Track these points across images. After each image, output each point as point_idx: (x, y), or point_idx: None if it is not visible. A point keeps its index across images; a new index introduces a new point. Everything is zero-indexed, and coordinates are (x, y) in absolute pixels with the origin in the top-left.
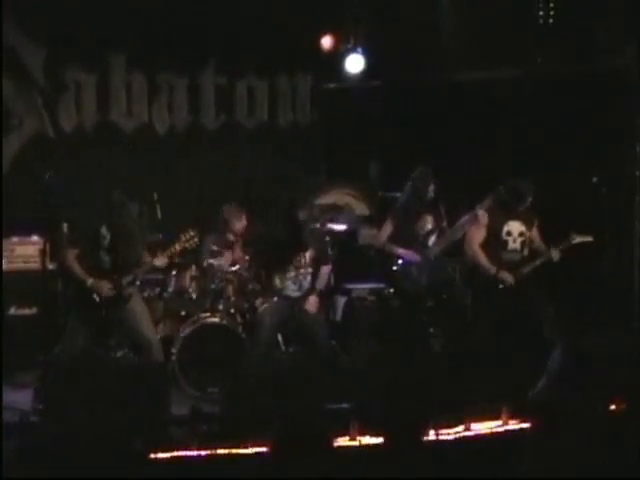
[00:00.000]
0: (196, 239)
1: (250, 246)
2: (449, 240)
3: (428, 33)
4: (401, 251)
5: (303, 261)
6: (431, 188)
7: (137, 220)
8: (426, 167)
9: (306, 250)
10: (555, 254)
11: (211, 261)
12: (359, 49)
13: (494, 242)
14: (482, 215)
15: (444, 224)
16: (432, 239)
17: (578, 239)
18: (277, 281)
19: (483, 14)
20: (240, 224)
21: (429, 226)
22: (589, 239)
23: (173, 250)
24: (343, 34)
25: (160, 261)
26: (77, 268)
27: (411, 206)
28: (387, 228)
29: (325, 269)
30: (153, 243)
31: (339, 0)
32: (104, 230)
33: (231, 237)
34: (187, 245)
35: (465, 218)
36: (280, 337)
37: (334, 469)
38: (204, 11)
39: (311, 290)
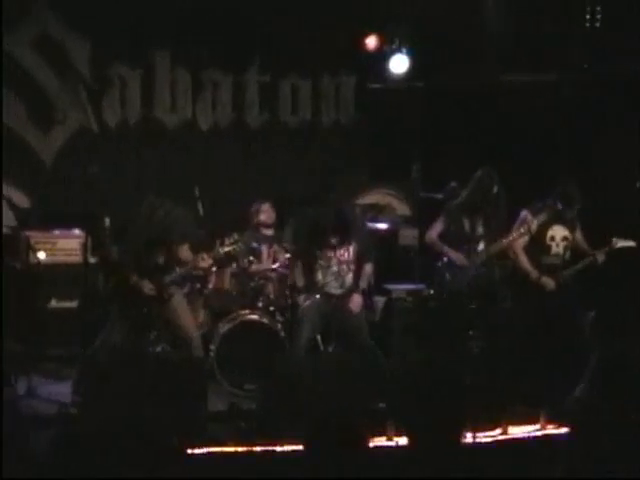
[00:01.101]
0: (240, 243)
1: (289, 242)
2: (499, 247)
3: (473, 35)
4: (450, 252)
5: (347, 256)
6: (494, 192)
7: (180, 218)
8: (490, 168)
9: (350, 245)
10: (600, 257)
11: (251, 258)
12: (403, 49)
13: (537, 246)
14: (533, 224)
15: (497, 229)
16: (481, 245)
17: (620, 244)
18: (320, 276)
19: (529, 17)
20: (264, 215)
21: (481, 230)
22: (631, 244)
23: (217, 254)
24: (387, 34)
25: (203, 262)
26: (121, 264)
27: (468, 207)
28: (438, 225)
29: (368, 267)
30: (196, 242)
31: (384, 0)
32: (147, 228)
33: (267, 232)
34: (231, 249)
35: (517, 227)
36: (319, 336)
37: (369, 469)
38: (250, 9)
39: (353, 289)
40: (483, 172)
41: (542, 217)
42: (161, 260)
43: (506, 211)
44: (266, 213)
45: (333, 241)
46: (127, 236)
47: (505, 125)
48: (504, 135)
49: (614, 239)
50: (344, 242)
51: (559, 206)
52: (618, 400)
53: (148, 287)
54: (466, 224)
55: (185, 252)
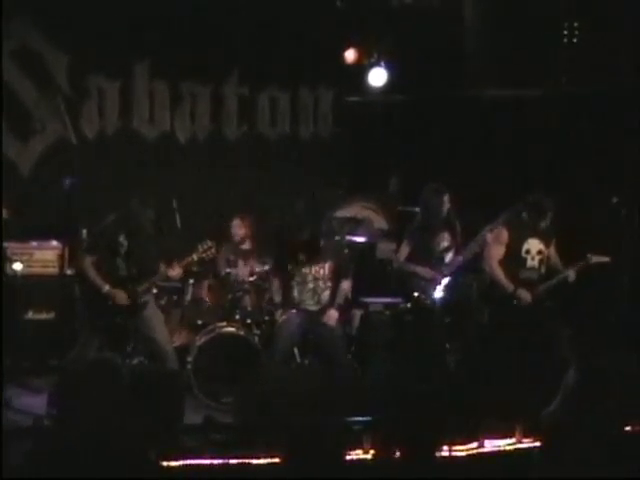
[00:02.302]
0: (213, 249)
1: (267, 256)
2: (467, 256)
3: (451, 49)
4: (418, 269)
5: (322, 273)
6: (445, 204)
7: (155, 228)
8: (437, 183)
9: (326, 262)
10: (571, 274)
11: (228, 270)
12: (382, 63)
13: (513, 260)
14: (501, 232)
15: (459, 241)
16: (449, 256)
17: (595, 259)
18: (295, 293)
19: (507, 32)
20: (233, 231)
21: (445, 243)
22: (605, 260)
23: (190, 260)
24: (366, 48)
25: (176, 271)
26: (93, 274)
27: (426, 224)
28: (404, 249)
29: (345, 284)
30: (171, 252)
31: (363, 14)
32: (122, 238)
33: (244, 246)
34: (204, 255)
35: (482, 235)
36: (296, 349)
37: None
38: (228, 21)
39: (329, 304)
40: (426, 189)
41: (501, 220)
42: (134, 270)
43: (461, 222)
44: (234, 228)
45: (302, 258)
46: (102, 245)
47: (483, 139)
48: (482, 149)
49: (589, 255)
50: (315, 259)
51: (530, 216)
52: (593, 414)
53: (121, 296)
54: (428, 241)
55: (158, 262)
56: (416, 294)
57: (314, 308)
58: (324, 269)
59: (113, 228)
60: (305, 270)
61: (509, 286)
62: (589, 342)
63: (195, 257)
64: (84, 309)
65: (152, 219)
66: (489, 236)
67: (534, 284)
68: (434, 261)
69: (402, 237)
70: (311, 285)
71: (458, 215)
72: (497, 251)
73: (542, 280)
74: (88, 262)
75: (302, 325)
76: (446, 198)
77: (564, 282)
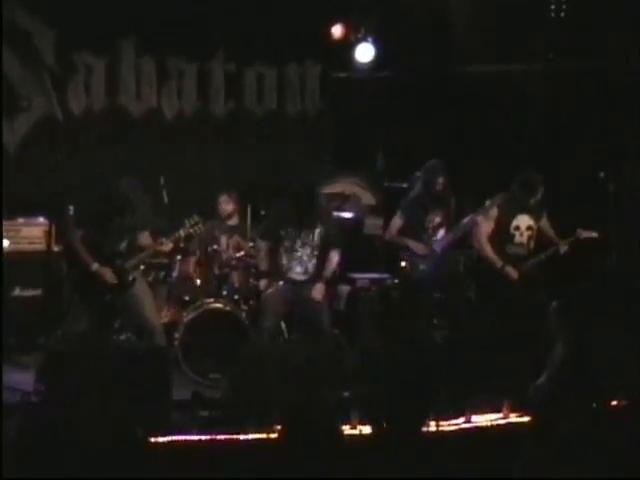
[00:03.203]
0: (200, 225)
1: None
2: (458, 234)
3: (439, 24)
4: (411, 243)
5: (311, 239)
6: (440, 181)
7: (143, 205)
8: (436, 160)
9: (315, 229)
10: (561, 249)
11: (215, 247)
12: (369, 39)
13: (501, 235)
14: (491, 208)
15: (452, 218)
16: (441, 232)
17: (584, 235)
18: (284, 260)
19: (495, 7)
20: (220, 207)
21: (438, 219)
22: (594, 235)
23: (177, 236)
24: (353, 23)
25: (164, 246)
26: (83, 251)
27: (421, 199)
28: (397, 221)
29: (334, 255)
30: (158, 227)
31: None
32: (109, 214)
33: (229, 223)
34: (192, 230)
35: (473, 214)
36: (283, 324)
37: (340, 458)
38: None
39: (317, 276)
40: (427, 165)
41: (497, 200)
42: (123, 246)
43: (455, 199)
44: (221, 205)
45: (292, 223)
46: (91, 222)
47: (470, 115)
48: (469, 125)
49: (578, 230)
50: (305, 225)
51: (521, 193)
52: (580, 389)
53: (110, 274)
54: (422, 216)
55: (146, 238)
56: (403, 264)
57: (302, 278)
58: (313, 235)
59: (100, 204)
60: (294, 235)
61: (497, 262)
62: (577, 318)
63: (182, 232)
64: (72, 286)
65: (139, 195)
66: (481, 217)
67: (522, 259)
68: (425, 237)
69: (394, 211)
70: (299, 252)
71: (453, 192)
72: (486, 227)
73: (530, 256)
74: (77, 239)
75: (288, 299)
76: (443, 176)
77: (553, 257)
